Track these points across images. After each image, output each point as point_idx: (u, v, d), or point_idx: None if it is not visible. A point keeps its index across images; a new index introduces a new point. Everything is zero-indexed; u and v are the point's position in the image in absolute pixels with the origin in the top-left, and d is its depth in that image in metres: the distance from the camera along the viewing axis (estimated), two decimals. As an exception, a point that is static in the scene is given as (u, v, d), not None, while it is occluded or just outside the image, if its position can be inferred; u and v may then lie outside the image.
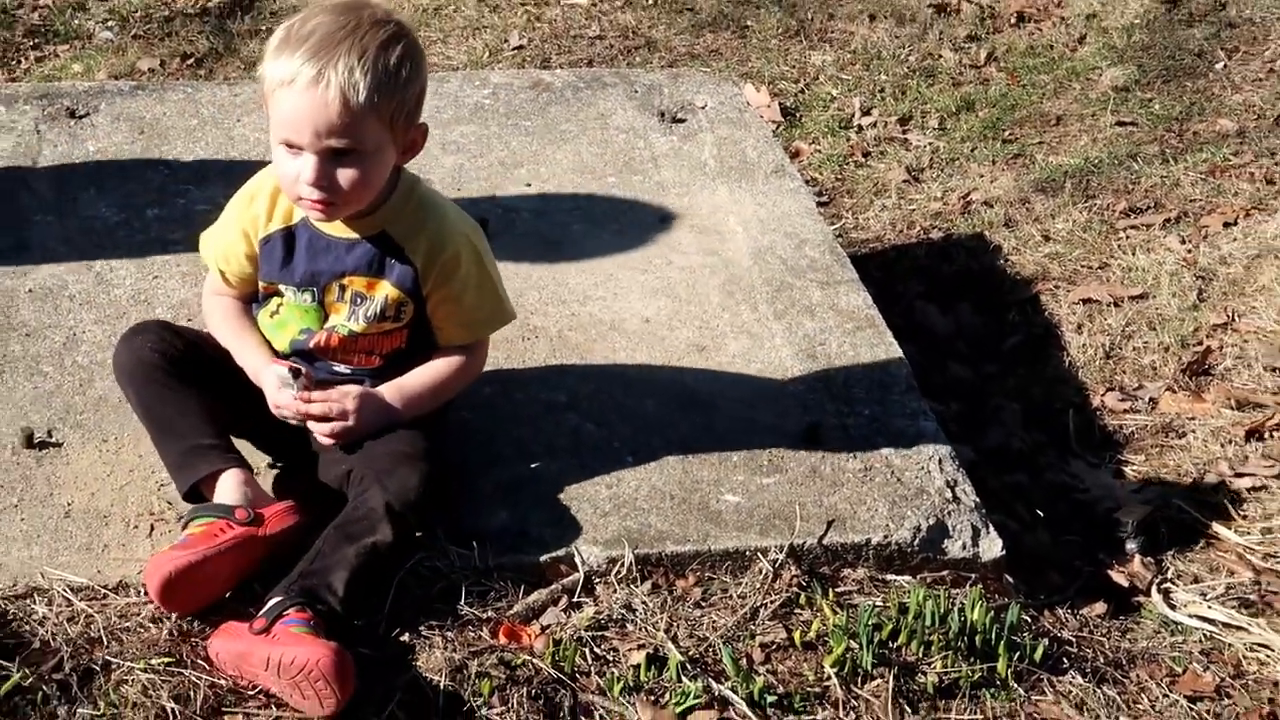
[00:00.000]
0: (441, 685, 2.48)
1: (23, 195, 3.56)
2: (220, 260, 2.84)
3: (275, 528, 2.64)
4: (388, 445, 2.68)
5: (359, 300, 2.71)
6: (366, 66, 2.49)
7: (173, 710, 2.41)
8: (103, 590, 2.59)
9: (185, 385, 2.77)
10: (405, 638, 2.57)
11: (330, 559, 2.53)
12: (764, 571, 2.72)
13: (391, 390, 2.76)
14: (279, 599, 2.45)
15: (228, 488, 2.66)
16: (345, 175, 2.53)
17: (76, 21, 5.72)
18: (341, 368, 2.81)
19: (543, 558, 2.70)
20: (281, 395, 2.69)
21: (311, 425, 2.70)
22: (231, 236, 2.79)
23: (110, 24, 5.77)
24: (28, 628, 2.53)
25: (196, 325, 3.04)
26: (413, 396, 2.75)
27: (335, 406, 2.68)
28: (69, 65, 5.36)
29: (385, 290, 2.70)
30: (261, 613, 2.44)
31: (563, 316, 3.30)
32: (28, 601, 2.56)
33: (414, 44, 2.62)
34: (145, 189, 3.62)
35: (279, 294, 2.79)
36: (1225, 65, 5.37)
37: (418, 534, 2.68)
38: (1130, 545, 3.15)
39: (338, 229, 2.68)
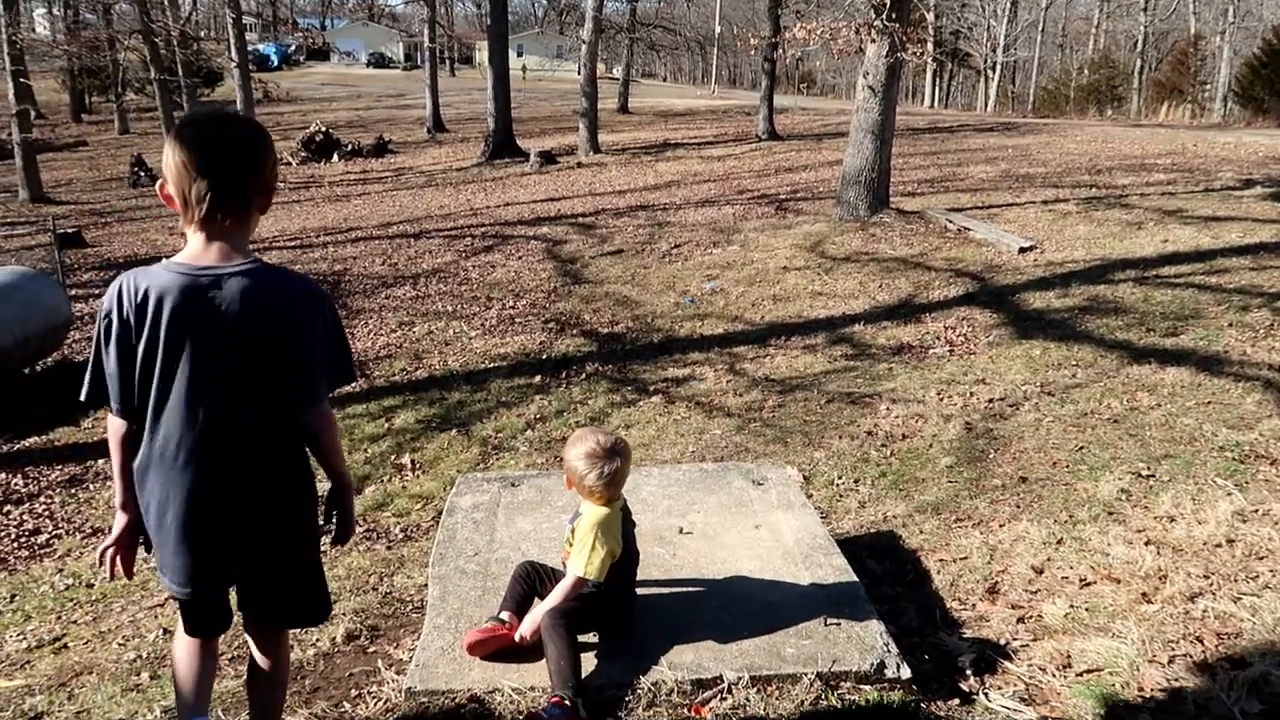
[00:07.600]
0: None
1: (494, 520, 3.73)
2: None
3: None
4: None
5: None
6: None
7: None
8: (525, 688, 2.61)
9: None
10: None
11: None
12: (807, 686, 2.68)
13: None
14: None
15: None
16: None
17: (508, 448, 6.06)
18: None
19: (702, 677, 2.68)
20: None
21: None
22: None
23: (530, 441, 6.08)
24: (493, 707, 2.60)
25: (553, 564, 3.04)
26: None
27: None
28: (509, 463, 5.66)
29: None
30: None
31: (707, 566, 3.34)
32: (494, 694, 2.63)
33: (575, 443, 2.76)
34: (542, 516, 3.77)
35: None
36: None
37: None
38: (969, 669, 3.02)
39: None
